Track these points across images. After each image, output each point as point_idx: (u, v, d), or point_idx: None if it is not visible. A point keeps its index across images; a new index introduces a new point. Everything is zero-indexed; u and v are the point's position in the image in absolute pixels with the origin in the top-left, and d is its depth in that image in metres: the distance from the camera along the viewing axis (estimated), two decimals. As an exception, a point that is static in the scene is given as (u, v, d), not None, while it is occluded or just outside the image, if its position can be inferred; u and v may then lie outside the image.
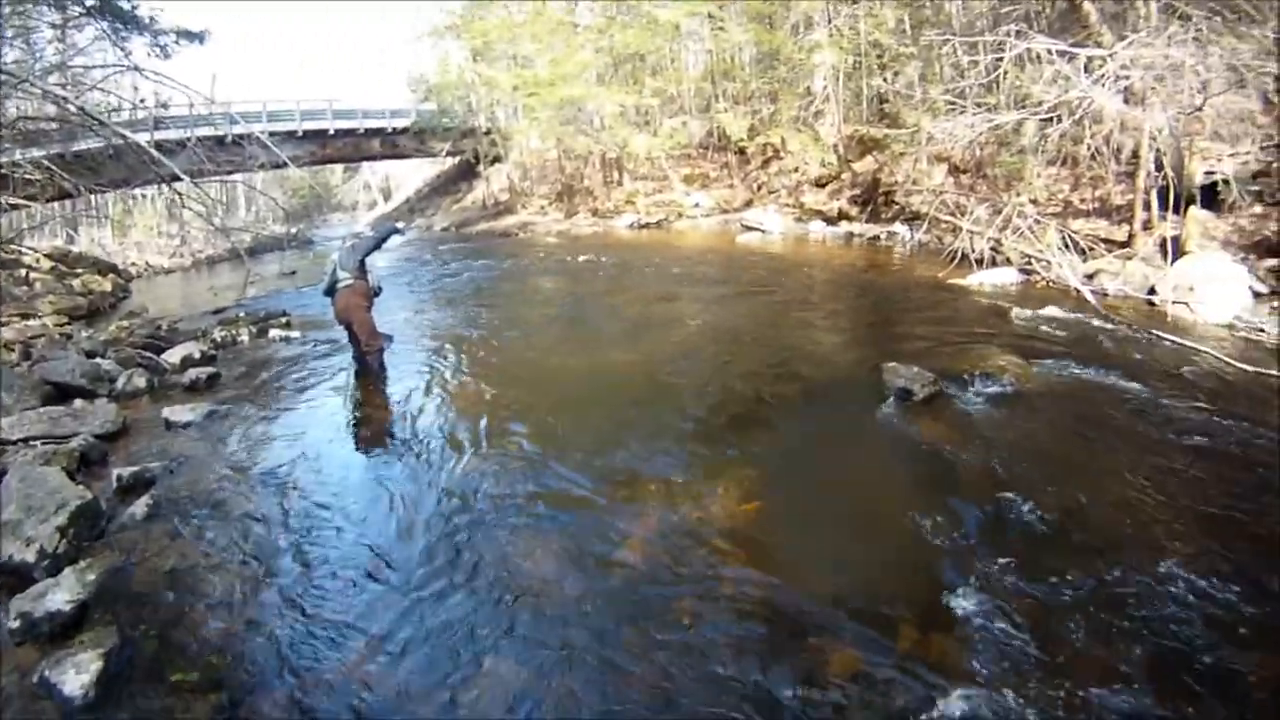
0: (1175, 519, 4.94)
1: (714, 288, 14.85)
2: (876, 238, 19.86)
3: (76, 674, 3.86)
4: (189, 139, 11.80)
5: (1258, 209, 11.95)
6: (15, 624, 4.28)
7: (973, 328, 9.86)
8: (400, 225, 10.50)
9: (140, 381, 9.46)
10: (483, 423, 7.45)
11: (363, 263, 9.32)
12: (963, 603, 4.12)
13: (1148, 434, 6.29)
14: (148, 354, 10.73)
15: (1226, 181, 12.16)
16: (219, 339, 12.18)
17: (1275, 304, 9.89)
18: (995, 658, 3.76)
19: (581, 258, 20.96)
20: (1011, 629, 3.91)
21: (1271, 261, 10.62)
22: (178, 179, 9.13)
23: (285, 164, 13.11)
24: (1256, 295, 10.09)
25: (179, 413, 8.11)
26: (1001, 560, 4.46)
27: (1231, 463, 5.79)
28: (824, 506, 5.43)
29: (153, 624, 4.38)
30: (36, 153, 18.16)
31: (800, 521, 5.21)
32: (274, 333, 12.61)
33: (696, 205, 29.97)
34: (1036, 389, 7.48)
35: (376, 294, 9.62)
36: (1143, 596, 4.14)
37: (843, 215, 22.77)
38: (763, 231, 23.51)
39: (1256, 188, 12.10)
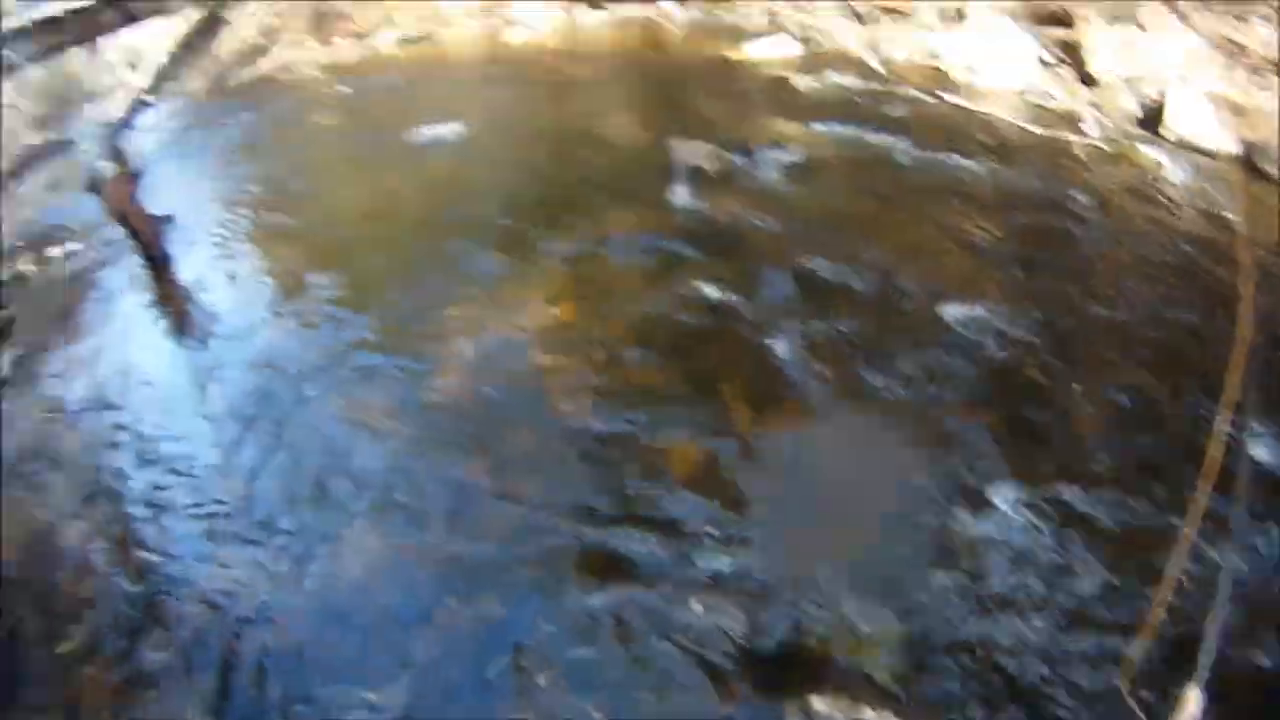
0: (978, 273, 5.25)
1: (490, 93, 13.83)
2: (647, 19, 19.42)
3: None
4: None
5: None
6: None
7: (758, 99, 9.71)
8: (148, 99, 9.73)
9: None
10: (279, 283, 7.15)
11: (119, 149, 8.64)
12: (788, 375, 4.33)
13: (942, 194, 6.45)
14: None
15: (1011, -54, 12.09)
16: (5, 279, 11.03)
17: (1060, 72, 9.93)
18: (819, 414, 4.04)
19: (347, 88, 19.67)
20: (833, 394, 4.18)
21: (1056, 31, 10.59)
22: None
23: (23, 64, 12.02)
24: (1044, 64, 10.06)
25: None
26: (812, 322, 4.66)
27: (1032, 218, 6.15)
28: (633, 296, 5.47)
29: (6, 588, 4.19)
30: None
31: (611, 317, 5.27)
32: (53, 252, 11.41)
33: (460, 7, 28.65)
34: (825, 155, 7.48)
35: (140, 177, 8.78)
36: (942, 334, 4.55)
37: (608, -3, 22.06)
38: (529, 27, 22.56)
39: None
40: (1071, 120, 8.36)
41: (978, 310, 4.64)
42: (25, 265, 11.09)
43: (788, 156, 7.38)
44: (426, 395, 4.81)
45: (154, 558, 4.15)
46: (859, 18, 12.46)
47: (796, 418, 4.00)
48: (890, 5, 13.10)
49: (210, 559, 4.04)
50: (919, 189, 6.60)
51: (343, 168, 11.01)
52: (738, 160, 7.33)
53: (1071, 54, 9.86)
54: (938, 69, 10.52)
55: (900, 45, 11.32)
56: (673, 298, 5.30)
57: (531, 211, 7.30)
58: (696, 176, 7.04)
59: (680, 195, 6.78)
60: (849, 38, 11.74)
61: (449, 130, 11.19)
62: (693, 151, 7.35)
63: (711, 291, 5.20)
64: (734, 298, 5.04)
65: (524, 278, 6.03)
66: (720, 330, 4.82)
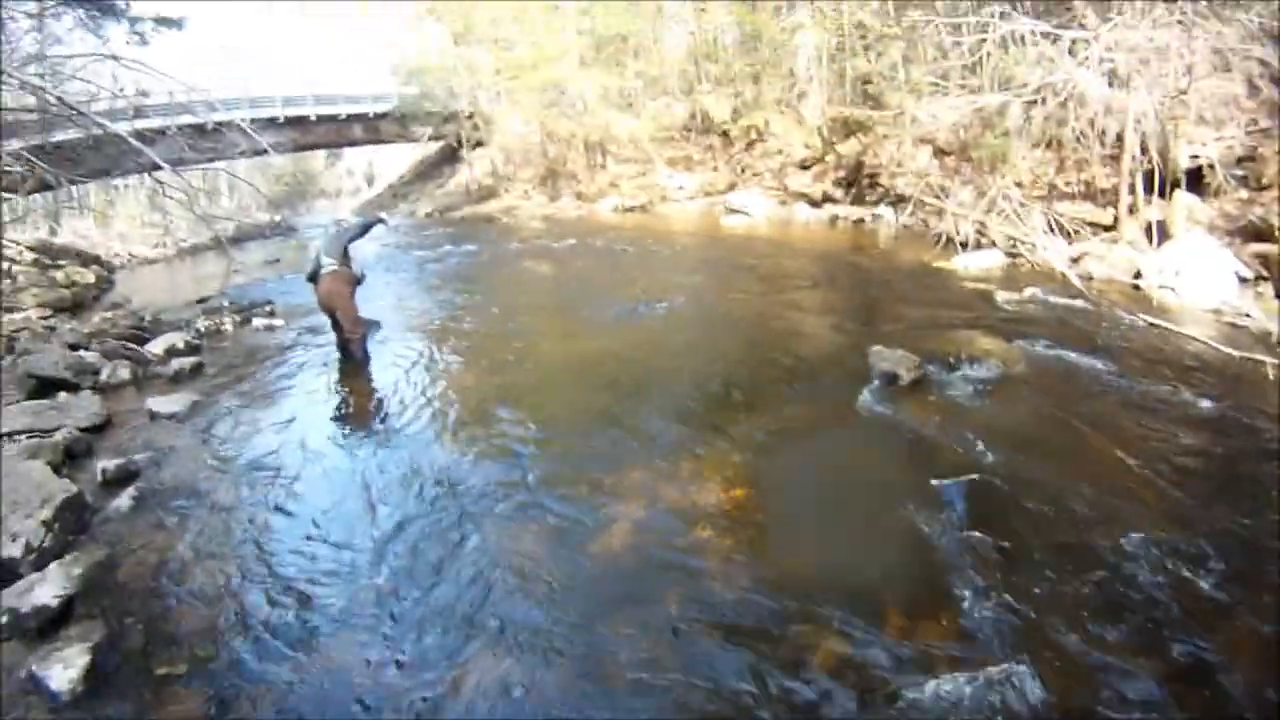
0: (1158, 499, 4.99)
1: (698, 272, 14.81)
2: (861, 220, 19.96)
3: (64, 669, 3.83)
4: (169, 127, 11.64)
5: (1243, 194, 11.96)
6: (2, 620, 4.24)
7: (958, 311, 9.83)
8: (385, 216, 10.46)
9: (124, 373, 9.36)
10: (467, 408, 7.42)
11: (346, 249, 9.25)
12: (949, 585, 4.13)
13: (1131, 417, 6.31)
14: (131, 345, 10.58)
15: (1211, 166, 12.18)
16: (203, 329, 12.04)
17: (1260, 289, 9.88)
18: (982, 641, 3.77)
19: (565, 242, 20.86)
20: (998, 610, 3.92)
21: (1256, 246, 10.59)
22: (159, 168, 9.11)
23: (266, 151, 12.98)
24: (1241, 280, 10.07)
25: (163, 403, 8.02)
26: (986, 541, 4.47)
27: (1216, 446, 5.86)
28: (810, 492, 5.39)
29: (139, 617, 4.35)
30: (15, 144, 18.02)
31: (787, 507, 5.14)
32: (258, 321, 12.47)
33: (680, 188, 29.93)
34: (1021, 372, 7.50)
35: (360, 281, 9.52)
36: (1125, 574, 4.18)
37: (827, 198, 22.81)
38: (747, 215, 23.57)
39: (1241, 172, 12.12)
40: (1266, 341, 8.23)
41: (1149, 539, 4.42)
42: (226, 323, 12.12)
43: (983, 371, 7.42)
44: (586, 548, 4.77)
45: (272, 619, 4.28)
46: (1065, 233, 12.64)
47: (950, 634, 3.85)
48: (1096, 220, 13.30)
49: (325, 639, 4.11)
50: (1109, 410, 6.51)
51: (547, 315, 11.58)
52: (933, 371, 7.36)
53: (1272, 270, 9.82)
54: (1137, 286, 10.59)
55: (1103, 261, 11.43)
56: (844, 496, 5.31)
57: (723, 392, 7.50)
58: (891, 382, 7.07)
59: (871, 400, 6.79)
60: (1053, 253, 11.82)
61: (655, 299, 11.67)
62: (889, 357, 7.33)
63: (882, 495, 5.17)
64: (905, 504, 4.94)
65: (703, 454, 5.98)
66: (887, 534, 4.74)
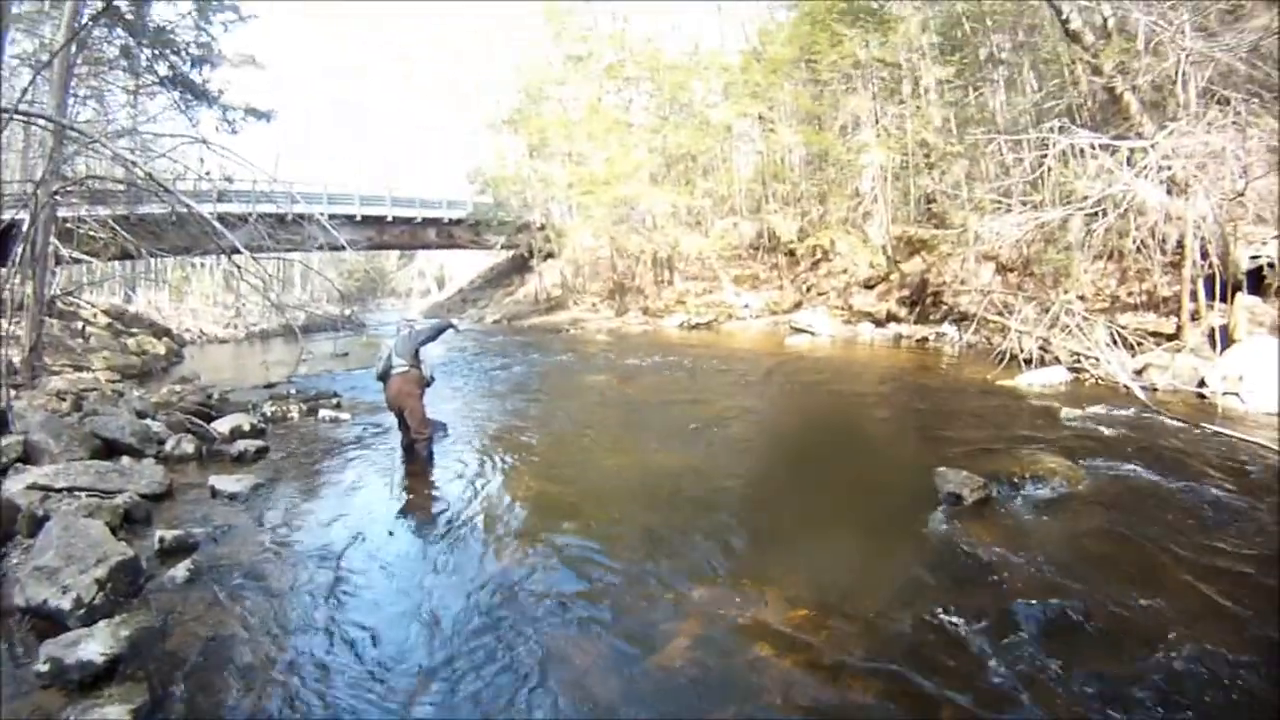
0: (1231, 622, 4.89)
1: (763, 391, 14.95)
2: (925, 339, 20.08)
3: None
4: (250, 214, 12.05)
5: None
6: (44, 668, 4.32)
7: (1022, 429, 9.82)
8: (455, 322, 10.67)
9: (189, 447, 9.66)
10: (527, 516, 7.53)
11: (417, 351, 9.51)
12: (1011, 707, 4.10)
13: (1199, 534, 6.24)
14: (198, 421, 10.92)
15: (1272, 265, 12.23)
16: (269, 413, 12.40)
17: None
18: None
19: (631, 358, 21.17)
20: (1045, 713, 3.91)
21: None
22: (238, 251, 9.26)
23: (343, 247, 13.46)
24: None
25: (226, 482, 8.23)
26: (1053, 669, 4.42)
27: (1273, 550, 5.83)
28: (873, 615, 5.28)
29: (184, 687, 4.42)
30: (102, 211, 18.95)
31: (849, 629, 5.05)
32: (324, 413, 12.77)
33: (746, 306, 30.30)
34: (1086, 491, 7.43)
35: (429, 384, 9.78)
36: (1187, 690, 4.15)
37: (891, 317, 23.01)
38: (811, 334, 23.76)
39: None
40: (1335, 444, 8.03)
41: (1216, 657, 4.34)
42: (293, 411, 12.40)
43: (1046, 490, 7.38)
44: (642, 663, 4.69)
45: (315, 710, 4.26)
46: (1128, 345, 12.66)
47: None
48: (1159, 329, 13.33)
49: None
50: (1174, 525, 6.43)
51: (611, 429, 11.67)
52: (998, 491, 7.33)
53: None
54: (1201, 395, 10.58)
55: (1166, 371, 11.46)
56: (907, 619, 5.15)
57: (787, 512, 7.48)
58: (955, 503, 7.05)
59: (937, 522, 6.75)
60: (1117, 366, 11.83)
61: (719, 416, 11.79)
62: (953, 479, 7.33)
63: (947, 618, 5.03)
64: (967, 627, 4.89)
65: (766, 574, 5.92)
66: (947, 656, 4.63)
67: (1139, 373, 11.96)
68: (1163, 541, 6.12)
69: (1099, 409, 10.41)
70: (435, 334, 9.86)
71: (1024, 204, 16.13)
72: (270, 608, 5.53)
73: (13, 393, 10.54)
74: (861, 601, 5.47)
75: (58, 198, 15.28)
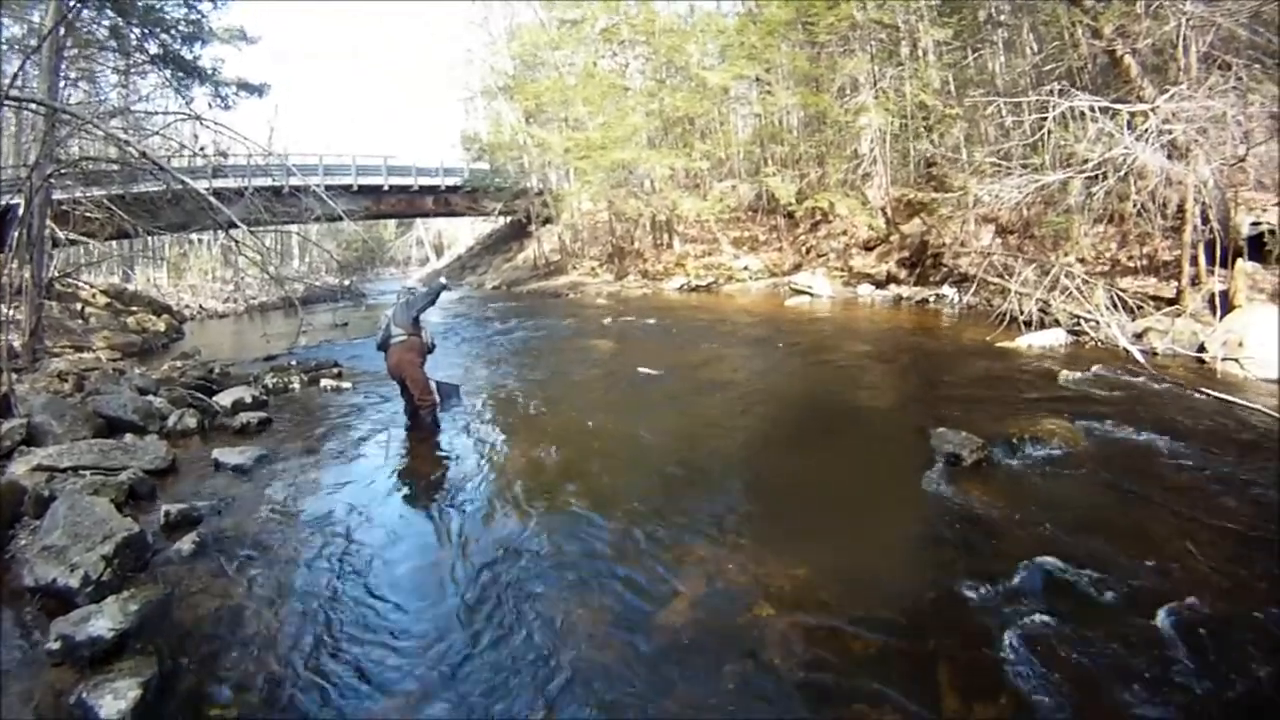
0: (1230, 585, 4.91)
1: (763, 351, 15.03)
2: (925, 300, 20.10)
3: (114, 700, 3.93)
4: (246, 188, 12.01)
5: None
6: (55, 645, 4.37)
7: (1021, 390, 9.85)
8: (446, 282, 10.57)
9: (191, 421, 9.69)
10: (530, 480, 7.52)
11: (417, 319, 9.52)
12: (1009, 669, 4.11)
13: (1199, 497, 6.26)
14: (199, 395, 10.95)
15: (1273, 232, 12.21)
16: (271, 385, 12.41)
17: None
18: (1040, 720, 3.75)
19: (631, 319, 21.27)
20: (1057, 696, 3.90)
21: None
22: (234, 226, 9.30)
23: (340, 217, 13.37)
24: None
25: (229, 455, 8.26)
26: (1048, 626, 4.46)
27: (1270, 514, 5.86)
28: (872, 574, 5.33)
29: (192, 659, 4.48)
30: (97, 192, 18.88)
31: (848, 589, 5.07)
32: (325, 382, 12.83)
33: (745, 268, 30.23)
34: (1085, 452, 7.46)
35: (430, 350, 9.83)
36: (1194, 665, 4.11)
37: (891, 278, 23.02)
38: (811, 295, 23.81)
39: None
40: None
41: (1206, 622, 4.36)
42: (294, 382, 12.49)
43: (1045, 451, 7.41)
44: (645, 622, 4.76)
45: (324, 674, 4.34)
46: (1128, 308, 12.65)
47: (1006, 714, 3.84)
48: (1159, 294, 13.31)
49: (375, 697, 4.16)
50: (1172, 488, 6.44)
51: (611, 392, 11.74)
52: (997, 452, 7.35)
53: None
54: (1201, 360, 10.62)
55: (1166, 336, 11.50)
56: (906, 579, 5.20)
57: (787, 472, 7.56)
58: (954, 463, 7.09)
59: (936, 482, 6.77)
60: (1116, 330, 11.88)
61: (719, 378, 11.94)
62: (952, 439, 7.38)
63: (944, 577, 5.11)
64: (965, 586, 4.93)
65: (766, 533, 6.01)
66: (946, 614, 4.69)
67: (1139, 336, 11.99)
68: (1162, 504, 6.16)
69: (1098, 371, 10.46)
70: (432, 299, 9.79)
71: (1024, 167, 16.04)
72: (276, 577, 5.60)
73: (14, 376, 10.52)
74: (861, 561, 5.53)
75: (52, 180, 15.28)
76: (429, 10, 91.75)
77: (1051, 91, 14.06)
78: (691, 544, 5.85)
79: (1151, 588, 4.84)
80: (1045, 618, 4.54)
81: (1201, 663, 4.08)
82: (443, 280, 10.05)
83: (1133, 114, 13.20)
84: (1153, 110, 12.83)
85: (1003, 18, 23.10)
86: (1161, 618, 4.47)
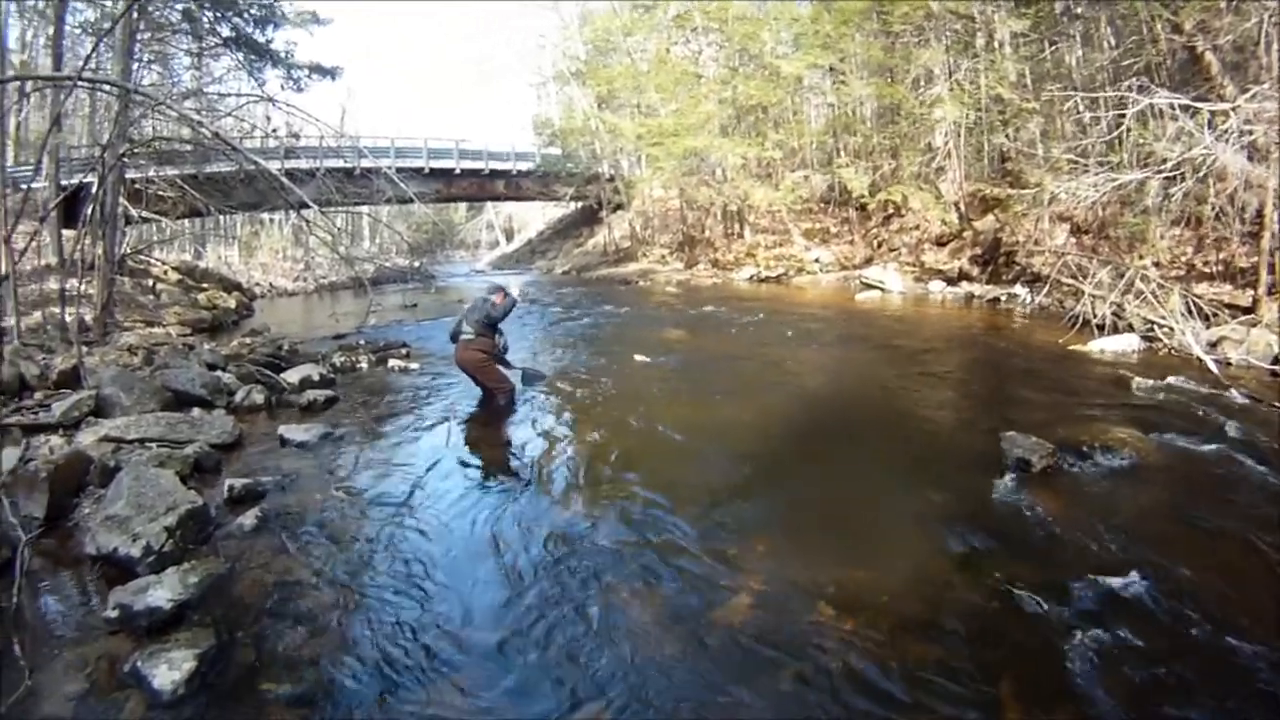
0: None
1: (832, 346, 15.01)
2: (997, 299, 19.92)
3: (169, 670, 4.02)
4: (318, 169, 12.27)
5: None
6: (112, 613, 4.51)
7: (1093, 397, 9.79)
8: (517, 297, 10.58)
9: (258, 397, 9.97)
10: (592, 467, 7.63)
11: (493, 326, 9.73)
12: (1072, 680, 4.12)
13: (1269, 518, 6.12)
14: (267, 372, 11.16)
15: (1354, 241, 12.00)
16: (338, 364, 12.69)
17: None
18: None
19: (701, 309, 21.29)
20: (1121, 708, 3.90)
21: None
22: (306, 206, 9.49)
23: (411, 200, 13.60)
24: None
25: (295, 431, 8.51)
26: (1114, 642, 4.42)
27: None
28: (936, 580, 5.31)
29: (249, 633, 4.59)
30: (170, 171, 19.46)
31: (911, 594, 5.06)
32: (393, 363, 13.05)
33: (816, 260, 30.13)
34: (1155, 463, 7.41)
35: (504, 351, 10.08)
36: (1261, 680, 4.11)
37: (963, 275, 22.88)
38: (882, 290, 23.68)
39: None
40: None
41: (1275, 653, 4.24)
42: (362, 361, 12.80)
43: (1116, 461, 7.32)
44: (703, 619, 4.74)
45: (378, 655, 4.40)
46: (1203, 315, 12.49)
47: None
48: (1234, 301, 13.11)
49: (428, 682, 4.19)
50: (1243, 507, 6.31)
51: (678, 381, 11.79)
52: (1067, 460, 7.32)
53: None
54: (1274, 372, 10.47)
55: (1240, 346, 11.31)
56: (970, 586, 5.16)
57: (854, 472, 7.64)
58: (1023, 469, 7.04)
59: (1005, 488, 6.74)
60: (1190, 337, 11.70)
61: (787, 372, 12.06)
62: (1022, 444, 7.35)
63: (1010, 586, 5.04)
64: (1030, 596, 4.88)
65: (831, 533, 6.06)
66: (1011, 625, 4.65)
67: (1213, 345, 11.75)
68: (1234, 525, 6.04)
69: (1171, 380, 10.30)
70: (506, 313, 9.91)
71: (1101, 165, 15.91)
72: (336, 555, 5.74)
73: (85, 349, 10.89)
74: (925, 566, 5.52)
75: (125, 160, 15.77)
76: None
77: (1130, 87, 13.92)
78: (752, 540, 5.88)
79: (1218, 610, 4.77)
80: (1111, 633, 4.50)
81: (1272, 691, 4.05)
82: (515, 296, 10.24)
83: (1213, 113, 13.02)
84: (1234, 110, 12.66)
85: (1080, 10, 22.77)
86: (1231, 641, 4.43)
